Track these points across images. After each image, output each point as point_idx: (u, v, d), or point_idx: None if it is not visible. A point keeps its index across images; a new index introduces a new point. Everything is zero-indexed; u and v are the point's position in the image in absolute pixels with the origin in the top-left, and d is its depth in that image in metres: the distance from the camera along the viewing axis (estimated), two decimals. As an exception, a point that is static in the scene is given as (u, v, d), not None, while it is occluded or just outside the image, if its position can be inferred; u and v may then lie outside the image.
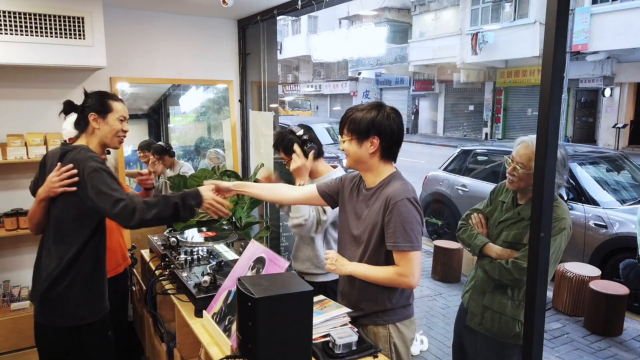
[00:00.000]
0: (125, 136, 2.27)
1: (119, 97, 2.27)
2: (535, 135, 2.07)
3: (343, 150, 1.91)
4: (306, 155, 2.46)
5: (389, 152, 1.87)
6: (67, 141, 2.38)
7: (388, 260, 1.84)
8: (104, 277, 2.18)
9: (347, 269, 1.88)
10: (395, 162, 1.92)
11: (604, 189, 5.22)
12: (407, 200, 1.77)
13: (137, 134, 4.23)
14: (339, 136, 1.95)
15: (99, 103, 2.15)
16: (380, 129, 1.81)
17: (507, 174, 2.19)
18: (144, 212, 1.91)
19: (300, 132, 2.47)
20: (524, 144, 2.13)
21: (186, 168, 3.98)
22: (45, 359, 2.15)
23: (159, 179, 4.08)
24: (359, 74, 25.43)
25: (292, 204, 2.29)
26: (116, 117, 2.17)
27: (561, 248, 2.04)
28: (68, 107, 2.19)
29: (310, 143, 2.45)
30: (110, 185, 1.96)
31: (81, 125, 2.16)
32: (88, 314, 2.08)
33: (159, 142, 4.12)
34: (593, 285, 4.19)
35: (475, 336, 2.33)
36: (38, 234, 2.16)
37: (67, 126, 2.48)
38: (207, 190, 2.07)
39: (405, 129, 2.01)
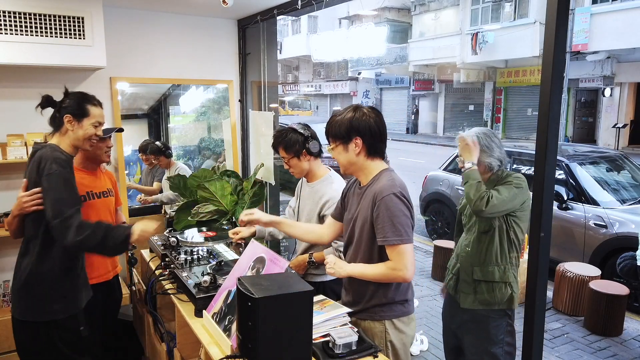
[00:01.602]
0: (97, 140, 2.29)
1: (97, 101, 2.28)
2: (473, 129, 2.45)
3: (333, 158, 1.97)
4: (310, 153, 2.46)
5: (374, 150, 1.91)
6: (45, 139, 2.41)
7: (382, 256, 1.86)
8: (76, 272, 2.19)
9: (345, 270, 1.90)
10: (383, 159, 1.96)
11: (604, 189, 5.22)
12: (393, 195, 1.80)
13: (137, 134, 4.23)
14: (327, 144, 2.01)
15: (76, 106, 2.16)
16: (360, 129, 1.86)
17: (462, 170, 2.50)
18: (76, 233, 1.94)
19: (302, 129, 2.47)
20: (459, 141, 2.47)
21: (182, 169, 3.97)
22: (21, 354, 2.19)
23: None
24: (359, 73, 25.42)
25: (328, 242, 2.30)
26: (91, 123, 2.18)
27: (524, 200, 2.33)
28: (46, 102, 2.19)
29: (312, 140, 2.45)
30: (61, 194, 1.99)
31: (55, 123, 2.18)
32: (60, 310, 2.10)
33: (156, 142, 4.11)
34: (593, 285, 4.19)
35: (466, 317, 2.52)
36: (17, 237, 2.21)
37: None
38: (142, 224, 2.13)
39: (386, 127, 2.08)
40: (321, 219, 2.47)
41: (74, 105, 2.16)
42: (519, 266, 2.49)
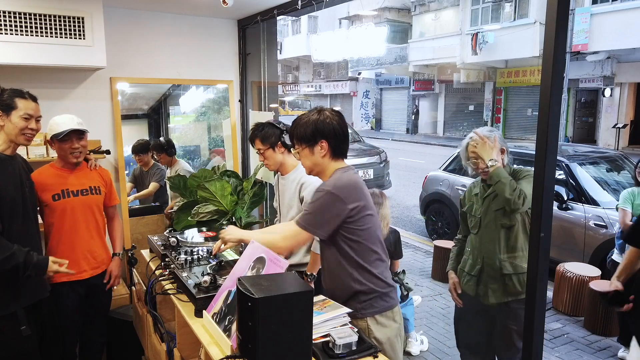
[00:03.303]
0: (33, 134, 2.28)
1: (30, 95, 2.29)
2: (478, 129, 2.51)
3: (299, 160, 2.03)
4: (285, 146, 2.61)
5: (338, 151, 1.97)
6: None
7: (353, 249, 1.89)
8: (7, 275, 2.18)
9: (235, 236, 2.01)
10: (345, 159, 2.01)
11: (604, 189, 5.21)
12: (321, 190, 1.87)
13: (137, 134, 4.23)
14: (292, 149, 2.07)
15: (6, 100, 2.19)
16: (325, 132, 1.91)
17: (478, 172, 2.56)
18: None
19: (277, 124, 2.64)
20: (467, 144, 2.52)
21: (184, 168, 3.96)
22: None
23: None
24: (359, 74, 25.42)
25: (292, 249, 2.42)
26: (19, 115, 2.19)
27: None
28: None
29: (287, 134, 2.54)
30: None
31: None
32: None
33: (160, 139, 4.07)
34: (593, 285, 4.19)
35: (494, 312, 2.57)
36: None
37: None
38: (54, 264, 2.22)
39: (348, 128, 2.18)
40: (301, 201, 2.57)
41: (4, 100, 2.19)
42: None
